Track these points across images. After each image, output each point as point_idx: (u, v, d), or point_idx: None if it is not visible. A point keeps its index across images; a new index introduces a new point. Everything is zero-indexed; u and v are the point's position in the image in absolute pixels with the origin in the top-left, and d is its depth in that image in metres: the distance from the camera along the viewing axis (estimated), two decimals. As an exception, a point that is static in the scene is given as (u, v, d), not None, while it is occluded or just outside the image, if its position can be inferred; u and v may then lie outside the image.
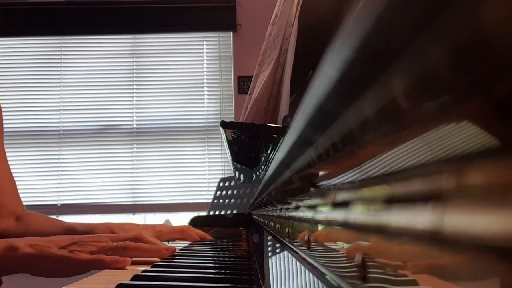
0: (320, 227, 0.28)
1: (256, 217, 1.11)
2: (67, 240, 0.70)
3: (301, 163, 0.32)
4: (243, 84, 2.79)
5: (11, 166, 1.02)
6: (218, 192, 1.61)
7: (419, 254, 0.13)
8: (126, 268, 0.64)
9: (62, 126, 2.81)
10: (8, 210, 0.97)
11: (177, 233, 1.01)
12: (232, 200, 1.59)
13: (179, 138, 2.83)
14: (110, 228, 0.96)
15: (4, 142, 1.02)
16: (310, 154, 0.28)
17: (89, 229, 0.93)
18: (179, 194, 2.77)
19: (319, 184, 0.30)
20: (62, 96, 2.83)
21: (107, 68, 2.87)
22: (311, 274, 0.31)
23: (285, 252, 0.46)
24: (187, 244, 0.94)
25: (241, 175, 1.22)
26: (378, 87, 0.14)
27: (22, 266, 0.67)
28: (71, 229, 0.95)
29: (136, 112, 2.85)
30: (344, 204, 0.22)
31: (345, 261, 0.21)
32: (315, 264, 0.29)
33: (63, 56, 2.86)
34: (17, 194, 1.02)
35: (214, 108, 2.86)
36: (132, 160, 2.81)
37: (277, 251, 0.56)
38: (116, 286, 0.47)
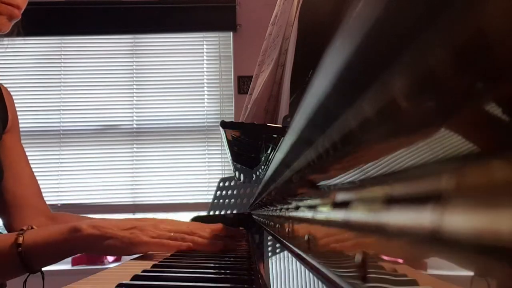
0: (320, 227, 0.28)
1: (256, 217, 1.11)
2: (128, 224, 0.75)
3: (301, 163, 0.32)
4: (243, 84, 2.79)
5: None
6: (218, 192, 1.61)
7: (419, 254, 0.13)
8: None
9: (62, 126, 2.81)
10: (38, 210, 0.99)
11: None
12: (232, 200, 1.59)
13: (179, 138, 2.83)
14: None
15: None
16: (310, 154, 0.28)
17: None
18: (179, 194, 2.77)
19: (319, 184, 0.30)
20: (62, 96, 2.83)
21: (107, 68, 2.87)
22: (311, 274, 0.31)
23: (285, 252, 0.46)
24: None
25: (241, 175, 1.22)
26: (378, 87, 0.14)
27: (86, 246, 0.72)
28: None
29: (136, 112, 2.85)
30: (344, 204, 0.22)
31: (345, 261, 0.21)
32: (315, 264, 0.29)
33: (63, 56, 2.86)
34: (42, 196, 1.04)
35: (214, 108, 2.86)
36: (132, 160, 2.81)
37: (277, 251, 0.56)
38: (116, 286, 0.46)
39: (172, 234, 0.77)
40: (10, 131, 1.00)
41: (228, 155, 0.99)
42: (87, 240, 0.71)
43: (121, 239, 0.72)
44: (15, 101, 1.08)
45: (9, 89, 1.08)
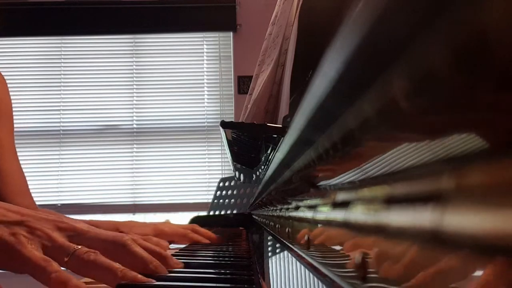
0: (320, 227, 0.28)
1: (256, 217, 1.11)
2: (15, 214, 0.47)
3: (301, 163, 0.32)
4: (243, 84, 2.79)
5: (11, 166, 1.00)
6: (218, 192, 1.61)
7: (419, 254, 0.13)
8: None
9: (62, 126, 2.81)
10: None
11: (179, 238, 0.87)
12: (232, 200, 1.59)
13: (179, 138, 2.83)
14: (115, 226, 0.85)
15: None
16: (310, 154, 0.28)
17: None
18: (179, 194, 2.76)
19: (319, 184, 0.30)
20: (62, 96, 2.83)
21: (107, 68, 2.87)
22: (311, 274, 0.31)
23: (285, 252, 0.46)
24: (187, 244, 0.94)
25: (241, 175, 1.22)
26: (378, 87, 0.14)
27: None
28: None
29: (136, 112, 2.85)
30: (344, 204, 0.22)
31: (345, 261, 0.21)
32: (315, 264, 0.29)
33: (63, 56, 2.86)
34: (29, 193, 0.97)
35: (214, 108, 2.86)
36: (132, 160, 2.81)
37: (277, 251, 0.56)
38: (116, 286, 0.46)
39: (78, 247, 0.45)
40: None
41: (228, 155, 0.99)
42: None
43: None
44: (15, 101, 1.03)
45: (9, 89, 1.02)
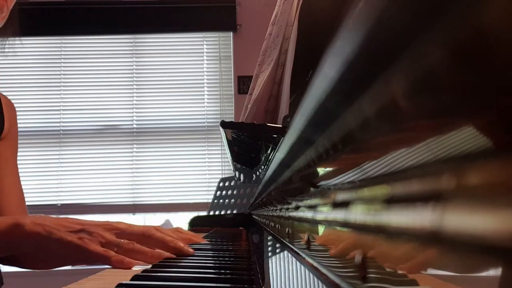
0: (320, 227, 0.28)
1: (256, 217, 1.11)
2: (76, 225, 0.67)
3: (301, 163, 0.32)
4: (243, 84, 2.79)
5: (11, 166, 1.03)
6: (218, 192, 1.61)
7: (419, 254, 0.13)
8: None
9: (62, 126, 2.81)
10: None
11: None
12: (232, 200, 1.59)
13: (179, 138, 2.82)
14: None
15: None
16: (310, 154, 0.28)
17: None
18: (179, 194, 2.76)
19: (319, 184, 0.30)
20: (62, 96, 2.83)
21: (107, 68, 2.87)
22: (311, 274, 0.31)
23: (285, 252, 0.46)
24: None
25: (241, 175, 1.23)
26: (378, 87, 0.14)
27: (28, 244, 0.64)
28: None
29: (136, 112, 2.85)
30: (344, 204, 0.22)
31: (345, 261, 0.21)
32: (315, 264, 0.29)
33: (63, 56, 2.86)
34: (25, 206, 1.03)
35: (214, 108, 2.86)
36: (132, 160, 2.81)
37: (277, 251, 0.56)
38: (116, 286, 0.46)
39: (122, 241, 0.65)
40: (4, 140, 0.99)
41: (228, 155, 0.99)
42: (29, 238, 0.63)
43: (67, 244, 0.63)
44: (15, 101, 1.07)
45: (9, 89, 1.07)
